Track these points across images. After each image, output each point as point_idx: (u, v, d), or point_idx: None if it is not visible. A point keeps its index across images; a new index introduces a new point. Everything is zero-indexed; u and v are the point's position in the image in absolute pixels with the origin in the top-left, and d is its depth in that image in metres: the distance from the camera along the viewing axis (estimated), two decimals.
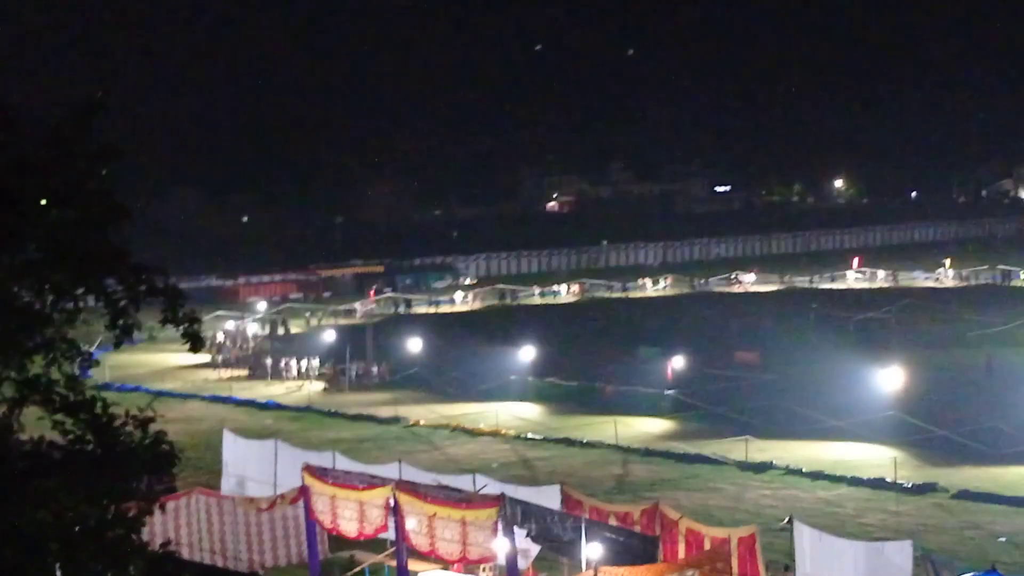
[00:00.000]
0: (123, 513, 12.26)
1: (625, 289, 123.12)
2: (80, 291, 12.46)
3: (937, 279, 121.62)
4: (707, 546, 30.90)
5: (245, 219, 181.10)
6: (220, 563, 36.09)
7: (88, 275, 12.34)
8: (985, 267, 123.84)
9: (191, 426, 59.14)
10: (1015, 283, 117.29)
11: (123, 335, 12.42)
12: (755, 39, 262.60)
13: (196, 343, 12.60)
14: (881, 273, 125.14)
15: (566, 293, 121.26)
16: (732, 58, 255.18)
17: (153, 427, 12.34)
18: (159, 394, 69.40)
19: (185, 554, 33.97)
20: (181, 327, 12.49)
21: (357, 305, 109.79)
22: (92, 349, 13.51)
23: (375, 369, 73.63)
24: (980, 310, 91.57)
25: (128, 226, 12.58)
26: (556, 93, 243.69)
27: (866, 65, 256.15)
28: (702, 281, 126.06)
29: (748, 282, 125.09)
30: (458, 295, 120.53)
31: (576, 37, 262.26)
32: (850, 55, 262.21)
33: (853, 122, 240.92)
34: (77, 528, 12.01)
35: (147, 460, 12.27)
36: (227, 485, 43.06)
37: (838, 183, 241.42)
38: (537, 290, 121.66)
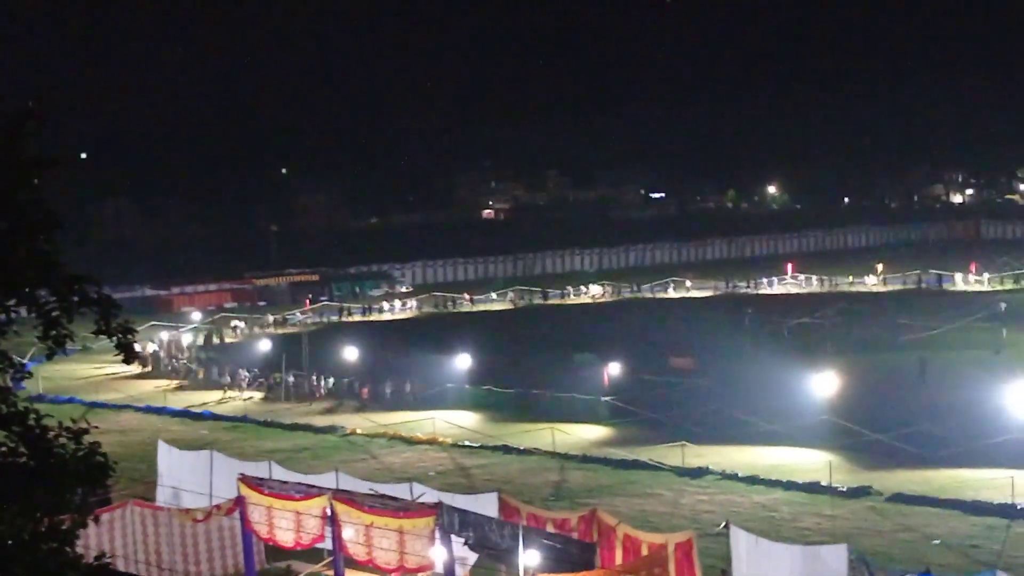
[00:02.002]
0: (57, 526, 12.16)
1: (563, 295, 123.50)
2: (12, 302, 12.34)
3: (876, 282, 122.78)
4: (644, 552, 31.00)
5: (178, 227, 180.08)
6: (156, 575, 35.85)
7: (20, 286, 12.22)
8: (917, 271, 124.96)
9: (126, 437, 58.72)
10: (947, 287, 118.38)
11: (56, 346, 12.32)
12: (687, 48, 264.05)
13: (130, 354, 12.52)
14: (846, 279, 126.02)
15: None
16: (665, 66, 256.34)
17: (87, 439, 12.25)
18: (93, 405, 68.97)
19: (120, 566, 33.69)
20: (115, 338, 12.40)
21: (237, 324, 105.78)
22: (25, 360, 13.42)
23: (407, 387, 69.75)
24: (913, 314, 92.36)
25: (60, 236, 12.47)
26: (491, 100, 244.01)
27: (796, 72, 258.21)
28: (636, 287, 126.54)
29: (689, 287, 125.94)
30: (396, 303, 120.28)
31: (510, 45, 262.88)
32: (781, 63, 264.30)
33: (785, 129, 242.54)
34: (10, 541, 11.89)
35: (81, 472, 12.17)
36: (162, 496, 42.77)
37: (771, 189, 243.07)
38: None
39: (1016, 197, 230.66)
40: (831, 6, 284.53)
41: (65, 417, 12.72)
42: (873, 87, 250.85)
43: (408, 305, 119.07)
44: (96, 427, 12.79)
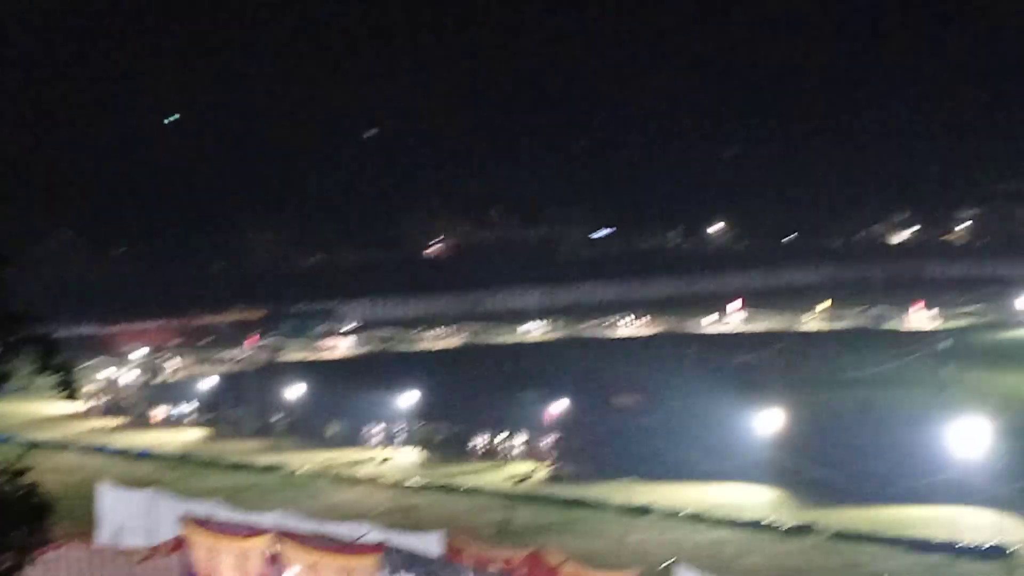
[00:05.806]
0: None
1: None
2: None
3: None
4: None
5: (122, 264, 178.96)
6: None
7: None
8: (861, 309, 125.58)
9: (66, 477, 58.06)
10: (891, 325, 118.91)
11: None
12: (631, 84, 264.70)
13: (71, 392, 12.41)
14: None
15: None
16: (609, 101, 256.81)
17: (26, 479, 12.11)
18: (33, 445, 68.16)
19: None
20: (56, 376, 12.29)
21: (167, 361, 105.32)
22: None
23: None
24: (857, 351, 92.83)
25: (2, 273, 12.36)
26: (436, 138, 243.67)
27: (739, 110, 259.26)
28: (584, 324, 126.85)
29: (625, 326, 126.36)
30: (344, 340, 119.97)
31: (455, 84, 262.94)
32: (723, 101, 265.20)
33: (730, 167, 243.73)
34: None
35: (20, 512, 12.04)
36: (104, 536, 42.32)
37: (717, 227, 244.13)
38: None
39: (956, 236, 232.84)
40: (772, 47, 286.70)
41: (3, 457, 12.57)
42: (816, 128, 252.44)
43: (355, 342, 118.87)
44: (36, 467, 12.66)
